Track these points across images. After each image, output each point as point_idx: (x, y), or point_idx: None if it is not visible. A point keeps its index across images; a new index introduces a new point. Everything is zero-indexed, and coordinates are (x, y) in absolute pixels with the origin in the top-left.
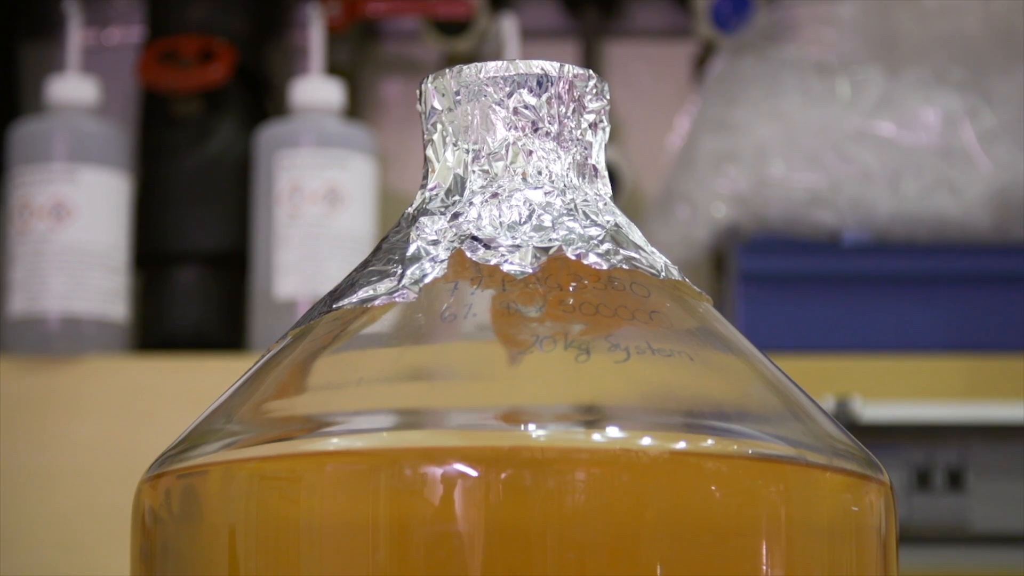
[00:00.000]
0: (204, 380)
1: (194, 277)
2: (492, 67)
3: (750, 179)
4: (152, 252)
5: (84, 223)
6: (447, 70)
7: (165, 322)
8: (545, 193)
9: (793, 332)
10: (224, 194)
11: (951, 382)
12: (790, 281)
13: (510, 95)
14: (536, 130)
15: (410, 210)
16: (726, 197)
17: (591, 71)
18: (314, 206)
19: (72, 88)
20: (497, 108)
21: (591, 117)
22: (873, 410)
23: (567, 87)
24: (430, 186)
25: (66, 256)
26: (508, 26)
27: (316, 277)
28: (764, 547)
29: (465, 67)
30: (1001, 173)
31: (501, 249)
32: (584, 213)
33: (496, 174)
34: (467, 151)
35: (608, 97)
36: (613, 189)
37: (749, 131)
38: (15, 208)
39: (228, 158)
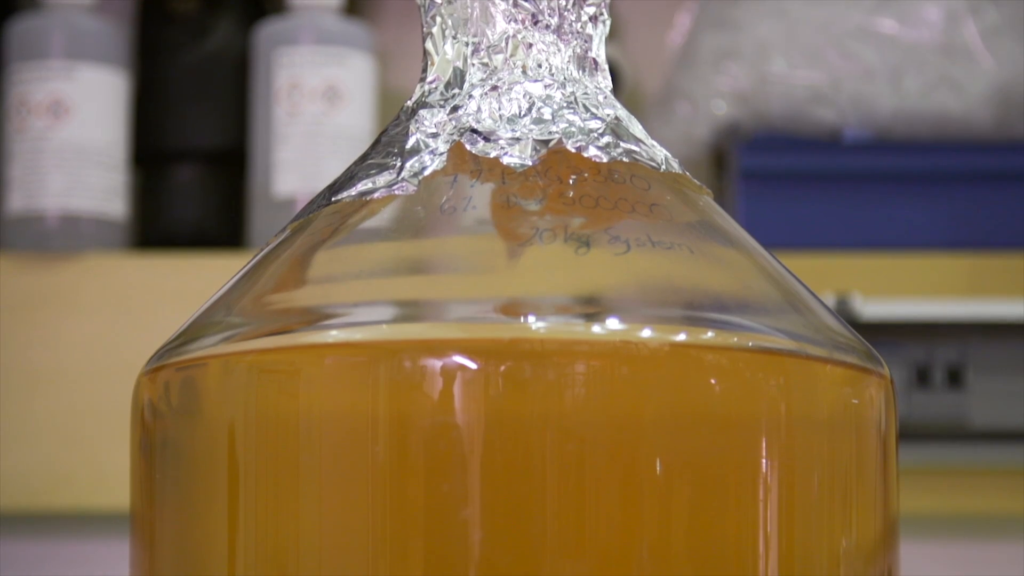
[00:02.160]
0: (203, 277)
1: (193, 175)
2: None
3: (751, 76)
4: (150, 150)
5: (82, 121)
6: None
7: (164, 220)
8: (545, 86)
9: (793, 230)
10: (223, 92)
11: (951, 279)
12: (790, 179)
13: None
14: (536, 22)
15: (409, 103)
16: (727, 94)
17: None
18: (313, 104)
19: None
20: (497, 0)
21: (591, 10)
22: (873, 308)
23: None
24: (429, 79)
25: (64, 154)
26: None
27: (315, 175)
28: (764, 440)
29: None
30: (1003, 70)
31: (501, 142)
32: (584, 106)
33: (496, 67)
34: (466, 44)
35: None
36: (614, 87)
37: (750, 28)
38: (13, 106)
39: (226, 56)
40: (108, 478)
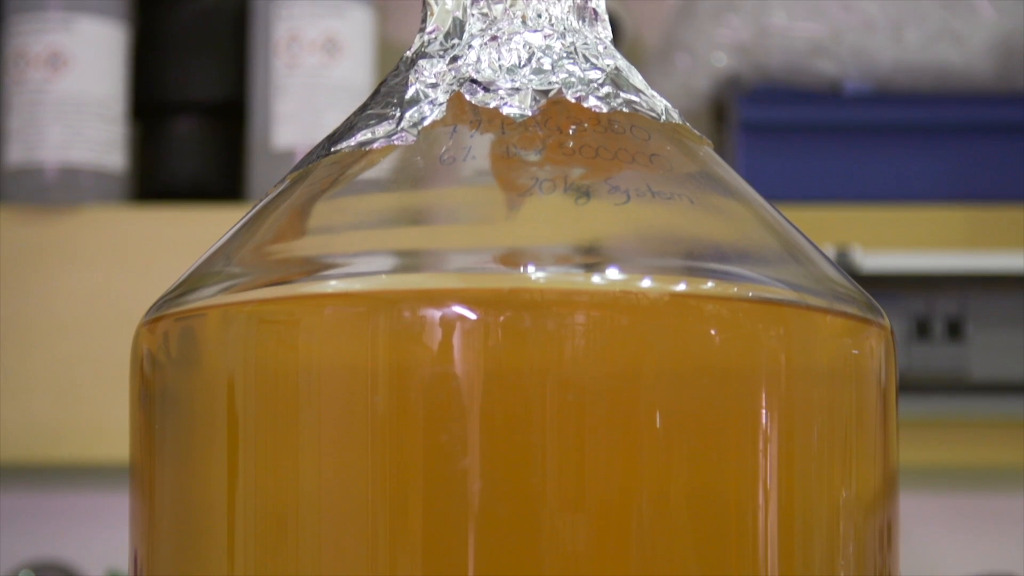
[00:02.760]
0: (202, 230)
1: (192, 127)
2: None
3: (751, 28)
4: (149, 102)
5: (80, 73)
6: None
7: (163, 172)
8: (545, 36)
9: (793, 182)
10: (222, 44)
11: (951, 232)
12: (791, 131)
13: None
14: None
15: (408, 53)
16: (727, 47)
17: None
18: (312, 56)
19: None
20: None
21: None
22: (873, 260)
23: None
24: (428, 30)
25: (63, 106)
26: None
27: (314, 127)
28: (763, 390)
29: None
30: (1005, 22)
31: (500, 92)
32: (584, 56)
33: (495, 17)
34: None
35: None
36: (614, 38)
37: None
38: (11, 58)
39: (225, 8)
40: (107, 430)
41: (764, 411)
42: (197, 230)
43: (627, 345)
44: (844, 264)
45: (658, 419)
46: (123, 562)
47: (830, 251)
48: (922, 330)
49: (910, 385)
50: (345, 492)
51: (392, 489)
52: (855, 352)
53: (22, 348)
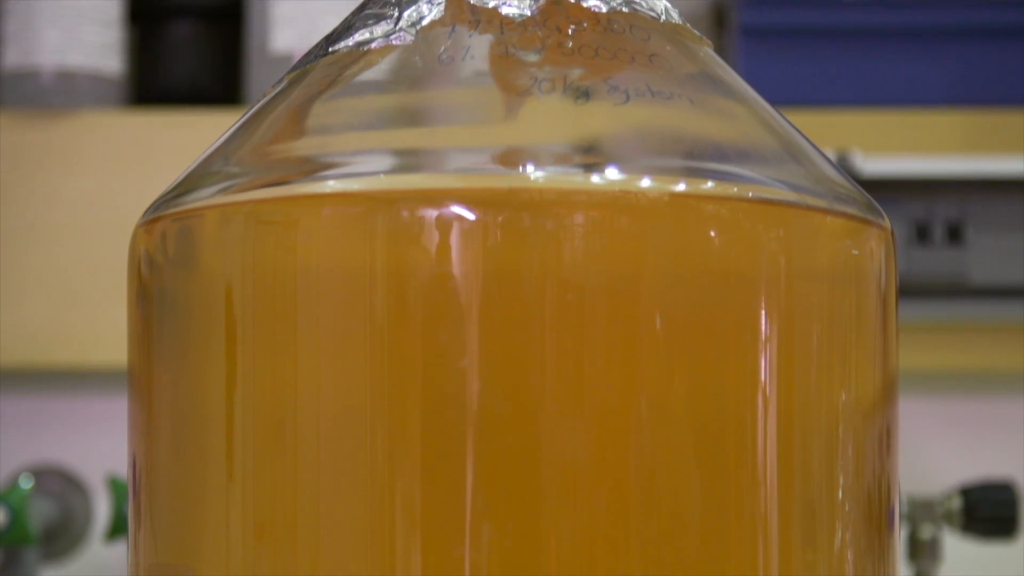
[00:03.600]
0: (199, 134)
1: (189, 31)
2: None
3: None
4: (146, 6)
5: None
6: None
7: (160, 76)
8: None
9: (793, 86)
10: None
11: (951, 136)
12: (791, 35)
13: None
14: None
15: None
16: None
17: None
18: None
19: None
20: None
21: None
22: (873, 164)
23: None
24: None
25: (60, 9)
26: None
27: (312, 30)
28: (763, 290)
29: None
30: None
31: None
32: None
33: None
34: None
35: None
36: None
37: None
38: None
39: None
40: (106, 334)
41: (764, 312)
42: (194, 134)
43: (626, 245)
44: (844, 168)
45: (657, 319)
46: (123, 467)
47: (830, 155)
48: (922, 234)
49: (910, 289)
50: (344, 393)
51: (391, 390)
52: (855, 253)
53: (19, 253)
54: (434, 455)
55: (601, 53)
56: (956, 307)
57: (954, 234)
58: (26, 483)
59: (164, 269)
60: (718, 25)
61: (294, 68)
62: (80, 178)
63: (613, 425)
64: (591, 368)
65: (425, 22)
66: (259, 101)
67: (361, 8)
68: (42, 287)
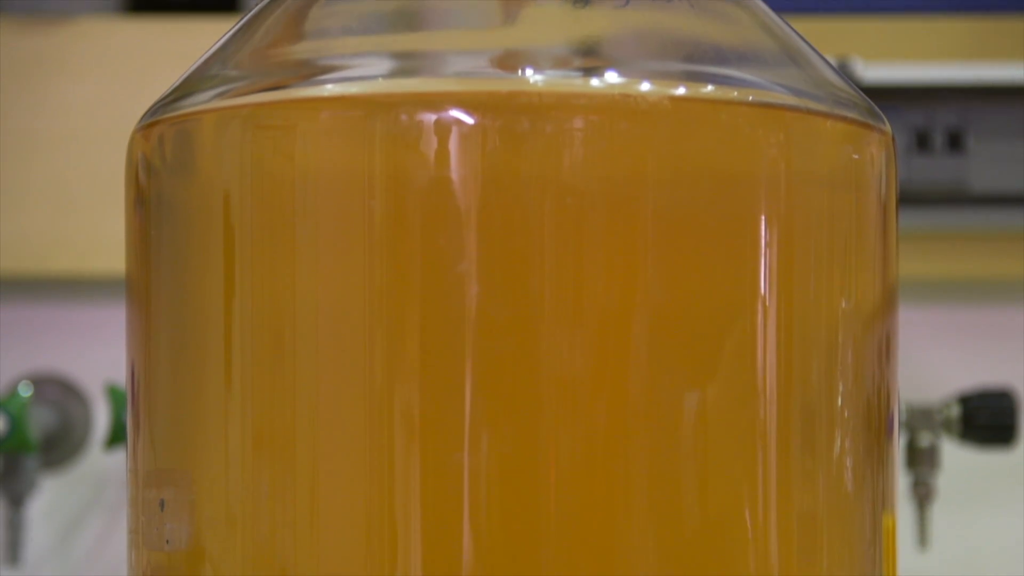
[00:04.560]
0: (197, 42)
1: None
2: None
3: None
4: None
5: None
6: None
7: None
8: None
9: None
10: None
11: (952, 43)
12: None
13: None
14: None
15: None
16: None
17: None
18: None
19: None
20: None
21: None
22: (874, 72)
23: None
24: None
25: None
26: None
27: None
28: (763, 195)
29: None
30: None
31: None
32: None
33: None
34: None
35: None
36: None
37: None
38: None
39: None
40: (105, 242)
41: (764, 216)
42: (192, 41)
43: (626, 149)
44: (844, 76)
45: (657, 224)
46: (122, 375)
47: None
48: (922, 142)
49: (910, 197)
50: (343, 299)
51: (390, 295)
52: (855, 157)
53: (17, 161)
54: (433, 361)
55: None
56: (956, 215)
57: (954, 142)
58: (25, 391)
59: (162, 174)
60: None
61: None
62: (78, 85)
63: (611, 330)
64: (590, 272)
65: None
66: (257, 5)
67: None
68: (40, 195)
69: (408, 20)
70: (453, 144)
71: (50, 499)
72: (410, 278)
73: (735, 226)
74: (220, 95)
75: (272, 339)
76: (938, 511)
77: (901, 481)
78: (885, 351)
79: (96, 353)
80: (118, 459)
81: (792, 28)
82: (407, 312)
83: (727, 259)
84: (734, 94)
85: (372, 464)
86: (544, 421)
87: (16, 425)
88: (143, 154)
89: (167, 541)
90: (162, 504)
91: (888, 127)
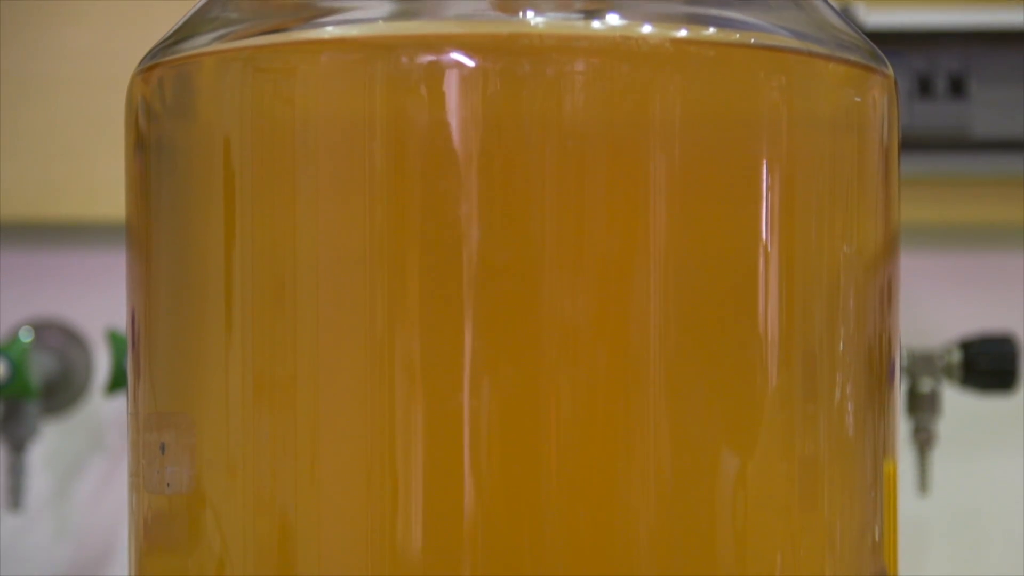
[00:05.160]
0: None
1: None
2: None
3: None
4: None
5: None
6: None
7: None
8: None
9: None
10: None
11: None
12: None
13: None
14: None
15: None
16: None
17: None
18: None
19: None
20: None
21: None
22: (876, 16)
23: None
24: None
25: None
26: None
27: None
28: (765, 138)
29: None
30: None
31: None
32: None
33: None
34: None
35: None
36: None
37: None
38: None
39: None
40: (105, 187)
41: (765, 159)
42: None
43: (627, 92)
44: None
45: (658, 166)
46: (122, 321)
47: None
48: (924, 87)
49: (912, 143)
50: (343, 242)
51: (390, 238)
52: (857, 100)
53: (17, 105)
54: (433, 304)
55: None
56: (958, 160)
57: (956, 87)
58: (26, 336)
59: (162, 118)
60: None
61: None
62: (77, 28)
63: (612, 273)
64: (591, 215)
65: None
66: None
67: None
68: (40, 140)
69: None
70: (453, 87)
71: (51, 445)
72: (411, 221)
73: (737, 169)
74: (220, 38)
75: (273, 282)
76: (939, 457)
77: (902, 427)
78: (887, 296)
79: (97, 299)
80: (119, 405)
81: None
82: (408, 255)
83: (729, 201)
84: (736, 36)
85: (373, 407)
86: (545, 364)
87: (17, 370)
88: (143, 98)
89: (168, 484)
90: (163, 447)
91: (890, 71)
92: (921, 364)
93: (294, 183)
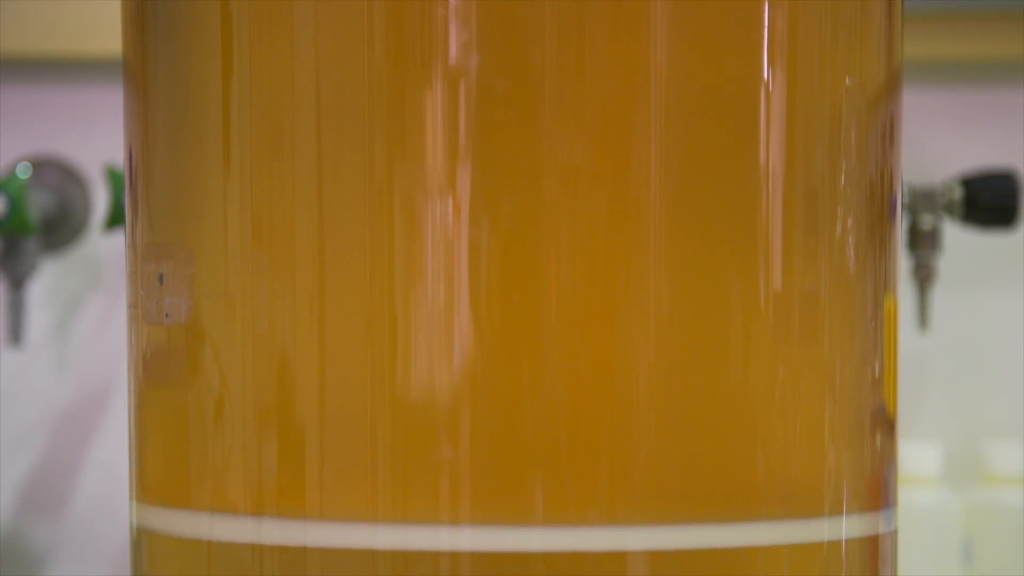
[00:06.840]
0: None
1: None
2: None
3: None
4: None
5: None
6: None
7: None
8: None
9: None
10: None
11: None
12: None
13: None
14: None
15: None
16: None
17: None
18: None
19: None
20: None
21: None
22: None
23: None
24: None
25: None
26: None
27: None
28: None
29: None
30: None
31: None
32: None
33: None
34: None
35: None
36: None
37: None
38: None
39: None
40: (105, 22)
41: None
42: None
43: None
44: None
45: None
46: (121, 157)
47: None
48: None
49: None
50: (342, 72)
51: (390, 67)
52: None
53: None
54: (431, 134)
55: None
56: None
57: None
58: (23, 172)
59: None
60: None
61: None
62: None
63: (612, 103)
64: (590, 41)
65: None
66: None
67: None
68: None
69: None
70: None
71: (50, 282)
72: (411, 51)
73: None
74: None
75: (272, 113)
76: (939, 293)
77: (903, 263)
78: (888, 132)
79: (95, 136)
80: (117, 241)
81: None
82: (407, 85)
83: (731, 30)
84: None
85: (372, 242)
86: (546, 194)
87: (15, 206)
88: None
89: (166, 315)
90: (161, 278)
91: None
92: (922, 200)
93: (292, 11)
